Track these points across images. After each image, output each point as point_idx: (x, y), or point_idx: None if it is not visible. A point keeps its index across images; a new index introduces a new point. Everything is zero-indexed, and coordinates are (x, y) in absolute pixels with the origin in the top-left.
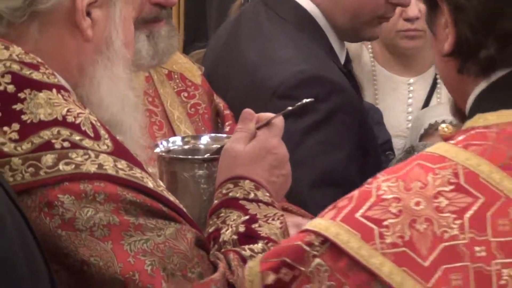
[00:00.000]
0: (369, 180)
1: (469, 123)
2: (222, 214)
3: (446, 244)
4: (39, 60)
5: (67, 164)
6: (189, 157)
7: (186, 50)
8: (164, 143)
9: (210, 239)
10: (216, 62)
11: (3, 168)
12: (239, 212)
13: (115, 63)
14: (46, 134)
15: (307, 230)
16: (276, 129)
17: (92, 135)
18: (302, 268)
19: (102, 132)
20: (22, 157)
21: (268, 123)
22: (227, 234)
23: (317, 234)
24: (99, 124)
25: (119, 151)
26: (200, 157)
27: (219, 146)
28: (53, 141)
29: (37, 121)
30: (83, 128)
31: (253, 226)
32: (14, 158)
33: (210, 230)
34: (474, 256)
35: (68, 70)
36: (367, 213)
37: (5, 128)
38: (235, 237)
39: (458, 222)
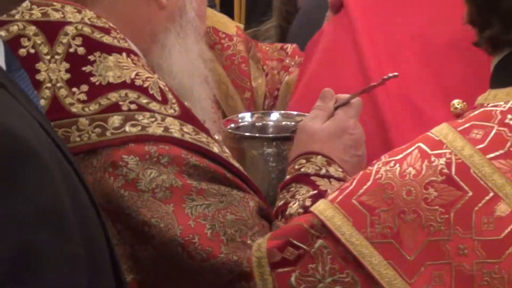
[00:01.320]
0: (374, 160)
1: (480, 99)
2: (292, 189)
3: (431, 239)
4: (111, 25)
5: (133, 126)
6: (258, 135)
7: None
8: (234, 119)
9: (278, 212)
10: None
11: (70, 128)
12: (309, 187)
13: (187, 33)
14: (114, 96)
15: (311, 211)
16: (354, 110)
17: (159, 98)
18: (306, 248)
19: (170, 96)
20: (89, 118)
21: (346, 103)
22: (293, 207)
23: (316, 216)
24: (167, 89)
25: (186, 115)
26: (269, 135)
27: (288, 123)
28: (121, 103)
29: (106, 83)
30: (150, 92)
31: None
32: (81, 119)
33: (279, 204)
34: (457, 254)
35: (140, 36)
36: (362, 198)
37: (74, 89)
38: (301, 210)
39: (444, 217)
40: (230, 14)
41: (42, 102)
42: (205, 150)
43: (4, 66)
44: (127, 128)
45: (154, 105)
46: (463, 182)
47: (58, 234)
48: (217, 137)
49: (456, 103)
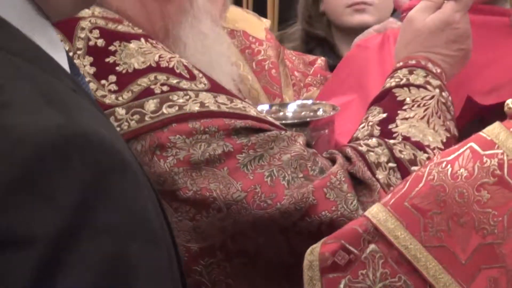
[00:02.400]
0: (426, 162)
1: None
2: (371, 108)
3: (485, 243)
4: (121, 17)
5: (170, 106)
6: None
7: None
8: None
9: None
10: None
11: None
12: (380, 108)
13: (202, 20)
14: (143, 81)
15: (364, 215)
16: (462, 4)
17: (187, 76)
18: (358, 253)
19: (196, 72)
20: (125, 106)
21: None
22: (361, 131)
23: (369, 219)
24: (191, 66)
25: (217, 87)
26: (288, 121)
27: (306, 112)
28: (152, 86)
29: (132, 70)
30: (177, 71)
31: (389, 127)
32: (117, 108)
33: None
34: (511, 258)
35: (153, 32)
36: (414, 200)
37: (103, 81)
38: (367, 137)
39: (497, 219)
40: (263, 14)
41: None
42: (243, 115)
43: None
44: (164, 110)
45: (184, 83)
46: None
47: (150, 244)
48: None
49: (510, 102)
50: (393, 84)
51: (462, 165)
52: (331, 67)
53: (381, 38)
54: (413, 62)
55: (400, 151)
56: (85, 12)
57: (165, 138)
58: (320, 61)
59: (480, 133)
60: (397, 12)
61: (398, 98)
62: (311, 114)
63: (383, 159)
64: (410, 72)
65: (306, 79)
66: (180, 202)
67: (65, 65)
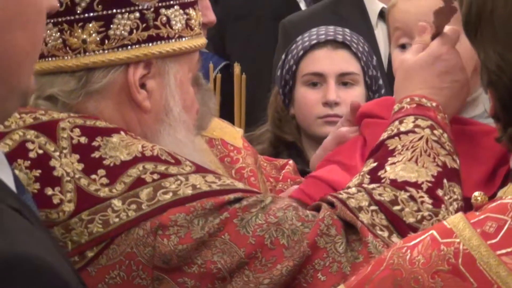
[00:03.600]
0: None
1: (500, 192)
2: (366, 162)
3: None
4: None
5: (164, 193)
6: None
7: None
8: None
9: None
10: None
11: (106, 211)
12: (373, 159)
13: (177, 129)
14: (133, 172)
15: None
16: (448, 37)
17: (172, 161)
18: None
19: (179, 157)
20: (120, 197)
21: (440, 33)
22: (353, 181)
23: None
24: (173, 152)
25: (202, 168)
26: None
27: None
28: (143, 176)
29: (120, 163)
30: (162, 158)
31: (378, 173)
32: (113, 200)
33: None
34: None
35: None
36: (372, 285)
37: (93, 176)
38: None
39: None
40: (231, 117)
41: (69, 195)
42: (234, 189)
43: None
44: (160, 197)
45: (172, 169)
46: (469, 274)
47: None
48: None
49: (477, 194)
50: (386, 136)
51: (420, 251)
52: (300, 171)
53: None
54: (403, 110)
55: (380, 194)
56: (61, 115)
57: (166, 218)
58: (289, 166)
59: (443, 221)
60: None
61: (390, 148)
62: None
63: (364, 203)
64: (400, 122)
65: (278, 185)
66: (188, 276)
67: (11, 184)
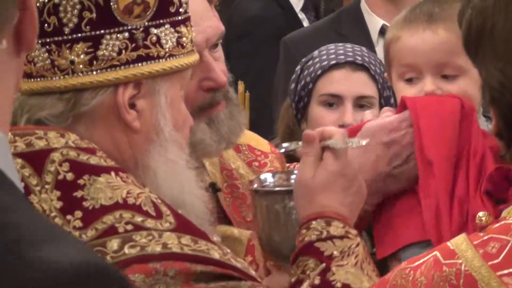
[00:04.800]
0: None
1: (504, 213)
2: (300, 263)
3: None
4: (95, 145)
5: (132, 247)
6: (278, 189)
7: None
8: (257, 180)
9: None
10: None
11: None
12: (315, 259)
13: (168, 149)
14: (109, 219)
15: None
16: (340, 151)
17: (154, 214)
18: None
19: (164, 209)
20: (88, 245)
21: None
22: (304, 286)
23: None
24: (160, 201)
25: (182, 226)
26: (289, 188)
27: None
28: (117, 225)
29: (99, 206)
30: (144, 208)
31: (327, 276)
32: None
33: (292, 281)
34: None
35: (124, 161)
36: None
37: (69, 217)
38: None
39: None
40: None
41: None
42: (206, 258)
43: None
44: (126, 250)
45: (149, 222)
46: None
47: None
48: (215, 239)
49: (482, 215)
50: (314, 237)
51: (423, 272)
52: None
53: None
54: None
55: None
56: (58, 142)
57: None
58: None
59: (447, 242)
60: None
61: (325, 253)
62: None
63: None
64: (328, 224)
65: None
66: None
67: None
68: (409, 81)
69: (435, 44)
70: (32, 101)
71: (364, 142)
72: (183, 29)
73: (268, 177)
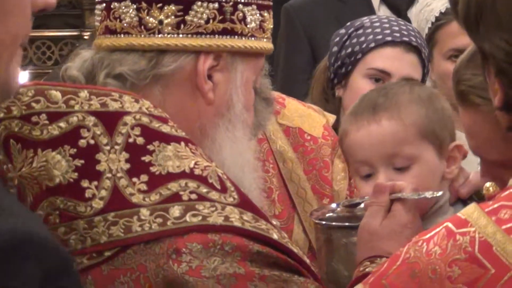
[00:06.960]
0: (408, 243)
1: (511, 181)
2: None
3: None
4: (167, 115)
5: (194, 215)
6: (346, 224)
7: None
8: (320, 209)
9: None
10: None
11: (131, 218)
12: None
13: (236, 126)
14: (174, 186)
15: None
16: (409, 203)
17: (219, 187)
18: None
19: (229, 184)
20: (150, 208)
21: (401, 198)
22: None
23: None
24: (225, 177)
25: (245, 203)
26: (355, 224)
27: None
28: (181, 193)
29: (166, 173)
30: (210, 181)
31: None
32: (142, 209)
33: None
34: None
35: (191, 131)
36: (390, 278)
37: (134, 179)
38: None
39: None
40: None
41: (103, 192)
42: (265, 237)
43: None
44: (188, 218)
45: (213, 194)
46: (486, 260)
47: None
48: (274, 223)
49: (489, 185)
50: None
51: (436, 243)
52: None
53: None
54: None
55: None
56: (132, 107)
57: (182, 243)
58: None
59: (458, 213)
60: None
61: None
62: None
63: None
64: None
65: None
66: None
67: None
68: (368, 177)
69: (380, 136)
70: (113, 56)
71: (439, 194)
72: (266, 14)
73: (333, 207)
